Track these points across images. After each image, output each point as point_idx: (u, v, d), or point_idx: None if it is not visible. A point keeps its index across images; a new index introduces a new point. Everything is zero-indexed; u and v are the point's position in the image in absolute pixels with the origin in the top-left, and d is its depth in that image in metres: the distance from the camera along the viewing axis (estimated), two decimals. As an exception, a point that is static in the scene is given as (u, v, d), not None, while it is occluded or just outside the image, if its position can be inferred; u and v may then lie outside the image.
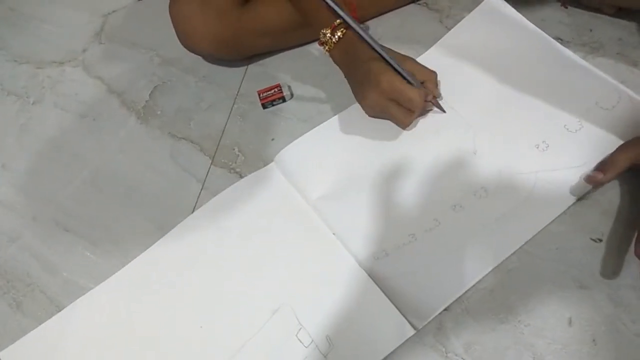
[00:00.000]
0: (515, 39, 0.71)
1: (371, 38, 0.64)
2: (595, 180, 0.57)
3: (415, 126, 0.68)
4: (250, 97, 0.77)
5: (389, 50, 0.65)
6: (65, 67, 0.88)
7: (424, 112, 0.68)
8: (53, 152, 0.79)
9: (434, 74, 0.67)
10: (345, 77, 0.69)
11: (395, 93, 0.63)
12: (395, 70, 0.63)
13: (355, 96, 0.68)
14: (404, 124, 0.67)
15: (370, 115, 0.68)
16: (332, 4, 0.63)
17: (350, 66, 0.68)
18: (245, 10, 0.73)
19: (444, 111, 0.67)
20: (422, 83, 0.65)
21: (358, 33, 0.64)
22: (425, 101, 0.65)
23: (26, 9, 0.98)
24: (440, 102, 0.67)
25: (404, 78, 0.63)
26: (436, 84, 0.67)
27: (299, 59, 0.79)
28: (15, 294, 0.68)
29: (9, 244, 0.72)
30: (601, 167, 0.58)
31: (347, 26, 0.65)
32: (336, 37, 0.66)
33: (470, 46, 0.72)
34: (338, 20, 0.65)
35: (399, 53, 0.66)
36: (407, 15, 0.79)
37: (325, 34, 0.67)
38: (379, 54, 0.63)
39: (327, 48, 0.68)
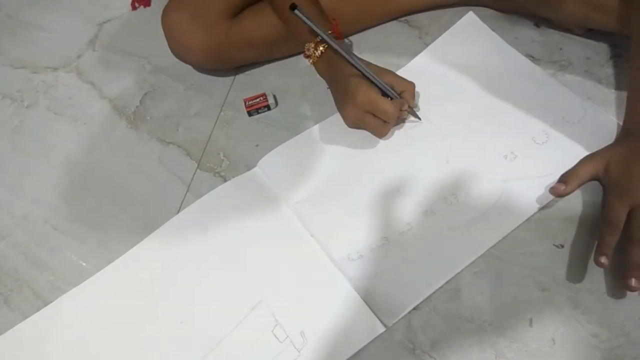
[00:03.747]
0: (489, 56, 0.75)
1: (350, 54, 0.67)
2: (558, 191, 0.61)
3: (391, 136, 0.71)
4: (236, 105, 0.80)
5: (368, 64, 0.69)
6: (60, 73, 0.91)
7: (400, 120, 0.71)
8: (44, 153, 0.82)
9: (412, 84, 0.70)
10: (329, 87, 0.73)
11: (370, 106, 0.66)
12: (374, 83, 0.67)
13: (337, 108, 0.71)
14: (381, 134, 0.70)
15: (349, 127, 0.72)
16: (312, 26, 0.67)
17: (332, 79, 0.71)
18: (234, 23, 0.77)
19: (419, 118, 0.71)
20: (400, 93, 0.69)
21: (338, 51, 0.67)
22: (401, 110, 0.68)
23: (24, 16, 1.01)
24: (416, 111, 0.71)
25: (382, 90, 0.67)
26: (413, 94, 0.71)
27: (284, 70, 0.83)
28: (2, 289, 0.70)
29: (-2, 241, 0.74)
30: (564, 179, 0.61)
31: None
32: (319, 51, 0.70)
33: (446, 61, 0.76)
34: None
35: (378, 66, 0.69)
36: (388, 32, 0.82)
37: (309, 48, 0.70)
38: (358, 69, 0.67)
39: (311, 61, 0.72)
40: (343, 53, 0.67)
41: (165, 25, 0.76)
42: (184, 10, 0.75)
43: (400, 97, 0.69)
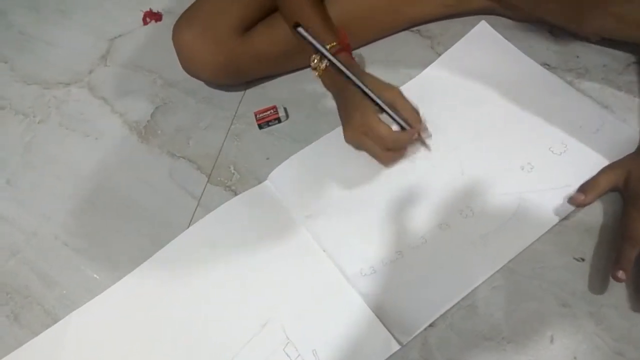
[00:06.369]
0: (504, 65, 0.74)
1: (353, 69, 0.63)
2: (577, 201, 0.59)
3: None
4: (247, 118, 0.79)
5: (372, 80, 0.64)
6: (71, 88, 0.92)
7: (410, 144, 0.68)
8: (56, 169, 0.82)
9: (414, 109, 0.65)
10: (335, 101, 0.71)
11: (366, 129, 0.63)
12: (377, 104, 0.63)
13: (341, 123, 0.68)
14: (382, 162, 0.67)
15: (353, 147, 0.69)
16: (315, 43, 0.63)
17: (336, 94, 0.69)
18: (245, 39, 0.76)
19: (429, 149, 0.68)
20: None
21: (339, 67, 0.63)
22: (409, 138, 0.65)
23: (35, 32, 1.02)
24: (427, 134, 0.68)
25: (386, 112, 0.63)
26: (418, 117, 0.65)
27: (295, 82, 0.82)
28: (13, 306, 0.70)
29: (9, 258, 0.74)
30: (583, 189, 0.60)
31: (337, 52, 0.66)
32: (324, 64, 0.67)
33: (459, 71, 0.75)
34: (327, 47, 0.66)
35: (384, 82, 0.65)
36: (399, 42, 0.81)
37: (314, 60, 0.68)
38: (359, 87, 0.62)
39: (317, 74, 0.69)
40: (343, 69, 0.63)
41: (176, 43, 0.76)
42: (194, 27, 0.75)
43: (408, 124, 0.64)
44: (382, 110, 0.63)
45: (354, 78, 0.62)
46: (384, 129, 0.62)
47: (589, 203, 0.59)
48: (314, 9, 0.70)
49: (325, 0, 0.75)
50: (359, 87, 0.62)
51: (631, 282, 0.55)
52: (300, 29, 0.62)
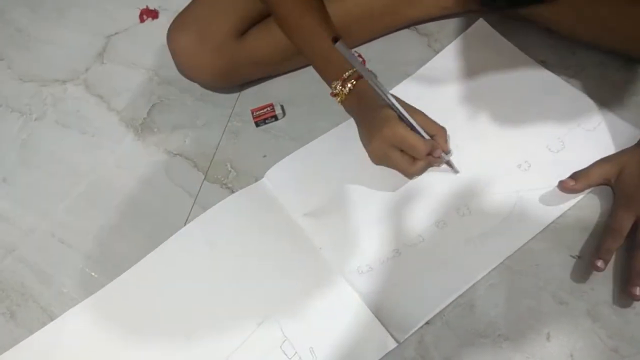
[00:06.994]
0: (500, 62, 0.74)
1: (383, 88, 0.63)
2: (567, 186, 0.60)
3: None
4: (244, 116, 0.79)
5: (399, 101, 0.63)
6: (68, 86, 0.91)
7: (430, 165, 0.67)
8: (52, 166, 0.82)
9: (443, 129, 0.65)
10: (356, 124, 0.69)
11: (397, 139, 0.62)
12: (405, 120, 0.63)
13: (363, 144, 0.67)
14: (408, 172, 0.65)
15: (375, 163, 0.67)
16: (347, 55, 0.62)
17: (361, 114, 0.68)
18: (241, 43, 0.75)
19: (457, 171, 0.66)
20: (431, 137, 0.64)
21: (372, 85, 0.63)
22: (434, 156, 0.64)
23: (33, 30, 1.01)
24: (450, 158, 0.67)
25: (414, 129, 0.63)
26: (446, 139, 0.66)
27: (292, 80, 0.82)
28: (9, 304, 0.69)
29: (5, 255, 0.74)
30: (574, 176, 0.60)
31: (359, 77, 0.65)
32: (347, 88, 0.66)
33: (456, 68, 0.75)
34: (347, 73, 0.65)
35: (410, 106, 0.64)
36: (397, 39, 0.81)
37: (336, 86, 0.67)
38: (389, 103, 0.63)
39: (339, 99, 0.68)
40: (376, 86, 0.62)
41: (171, 47, 0.75)
42: (190, 32, 0.74)
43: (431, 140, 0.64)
44: (410, 127, 0.63)
45: (385, 93, 0.62)
46: (415, 137, 0.62)
47: (578, 191, 0.60)
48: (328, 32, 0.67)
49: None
50: (390, 102, 0.62)
51: (619, 275, 0.56)
52: (339, 45, 0.60)
